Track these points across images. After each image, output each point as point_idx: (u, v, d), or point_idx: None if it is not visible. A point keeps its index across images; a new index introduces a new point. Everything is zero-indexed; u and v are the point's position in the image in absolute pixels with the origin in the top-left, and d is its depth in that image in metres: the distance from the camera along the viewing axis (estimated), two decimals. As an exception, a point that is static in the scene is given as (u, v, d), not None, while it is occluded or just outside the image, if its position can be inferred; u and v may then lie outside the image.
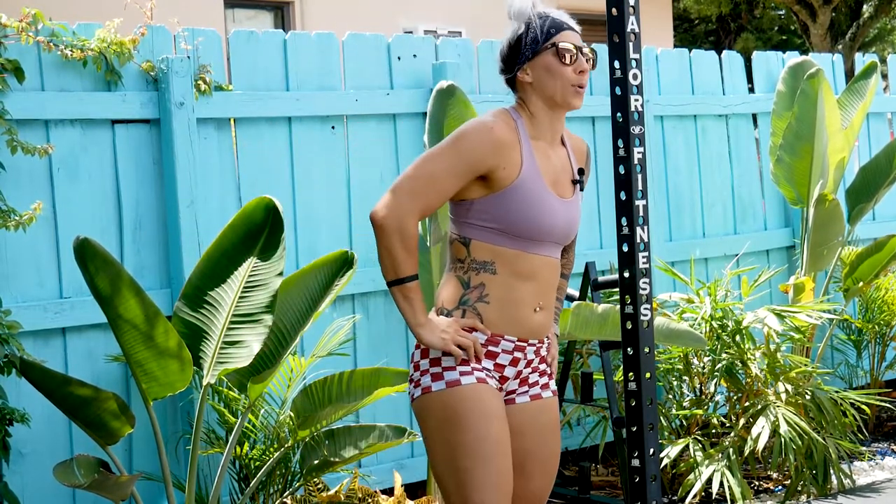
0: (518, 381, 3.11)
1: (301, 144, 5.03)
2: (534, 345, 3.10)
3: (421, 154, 3.08)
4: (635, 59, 3.25)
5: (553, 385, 3.21)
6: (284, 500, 4.57)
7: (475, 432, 2.94)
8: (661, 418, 5.45)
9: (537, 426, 3.12)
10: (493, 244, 2.99)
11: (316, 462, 4.40)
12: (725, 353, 5.40)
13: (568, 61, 3.03)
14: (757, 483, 5.58)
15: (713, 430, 5.49)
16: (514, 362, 3.08)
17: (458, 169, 2.94)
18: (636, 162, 3.28)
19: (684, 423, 5.51)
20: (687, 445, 5.26)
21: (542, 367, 3.17)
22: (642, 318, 3.31)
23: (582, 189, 3.15)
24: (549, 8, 3.09)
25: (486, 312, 3.01)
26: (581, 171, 3.14)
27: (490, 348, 3.03)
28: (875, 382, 6.56)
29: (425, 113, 5.18)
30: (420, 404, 3.02)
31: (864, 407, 5.83)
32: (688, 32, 21.47)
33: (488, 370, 3.02)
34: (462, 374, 2.98)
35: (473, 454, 2.94)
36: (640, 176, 3.29)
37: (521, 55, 3.05)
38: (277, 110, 4.94)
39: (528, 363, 3.11)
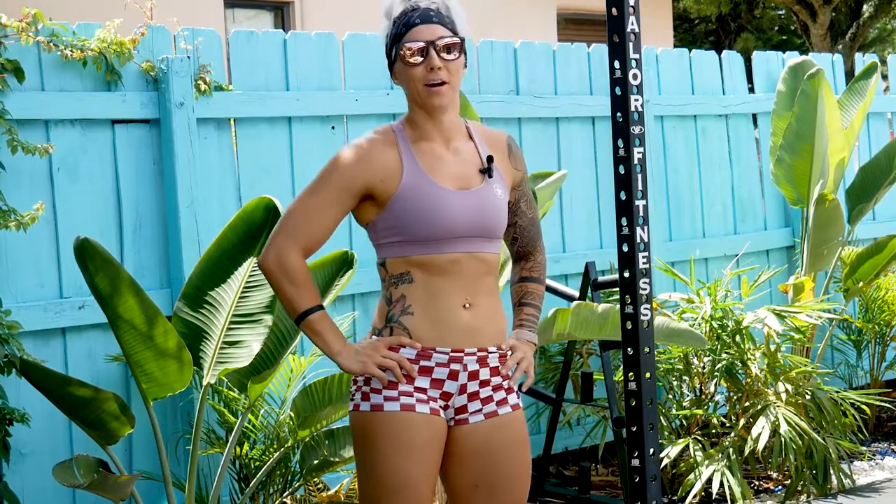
0: (466, 396, 2.96)
1: (301, 144, 5.03)
2: (473, 354, 2.94)
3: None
4: (635, 59, 3.25)
5: (514, 398, 3.01)
6: (284, 500, 4.57)
7: (385, 465, 2.88)
8: (661, 418, 5.45)
9: (496, 445, 2.96)
10: (404, 255, 2.92)
11: (316, 462, 4.40)
12: (725, 353, 5.40)
13: (414, 62, 2.93)
14: (757, 483, 5.58)
15: (713, 430, 5.49)
16: (453, 375, 2.93)
17: (332, 197, 2.94)
18: (636, 162, 3.28)
19: (684, 423, 5.51)
20: (687, 445, 5.26)
21: (498, 381, 2.98)
22: (642, 318, 3.31)
23: (491, 176, 2.98)
24: (430, 4, 2.99)
25: (412, 325, 2.91)
26: (490, 159, 2.98)
27: (423, 363, 2.91)
28: (875, 382, 6.56)
29: (425, 113, 5.18)
30: (350, 419, 2.98)
31: (864, 407, 5.83)
32: (688, 32, 21.47)
33: (422, 388, 2.90)
34: (386, 398, 2.89)
35: (382, 484, 2.89)
36: (640, 176, 3.29)
37: (388, 61, 3.01)
38: (277, 110, 4.94)
39: (473, 375, 2.95)
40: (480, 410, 2.97)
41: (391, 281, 2.95)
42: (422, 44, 2.92)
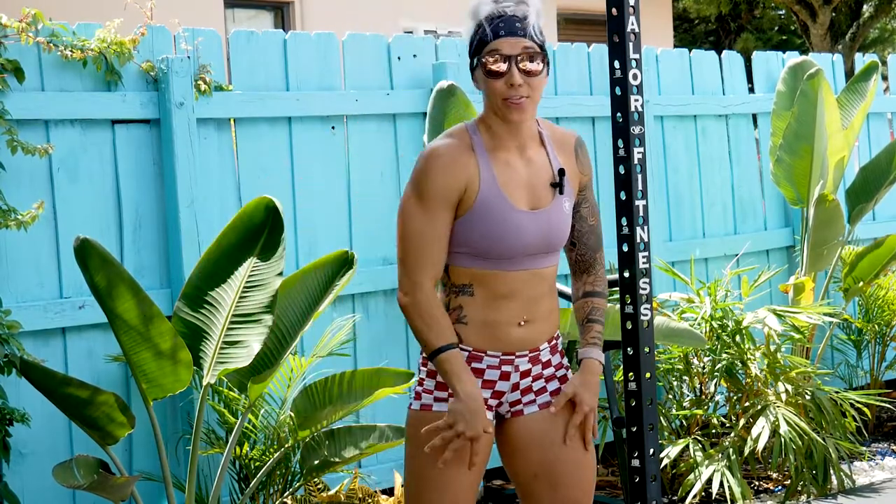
0: (519, 392, 3.03)
1: (301, 144, 5.03)
2: (524, 356, 3.01)
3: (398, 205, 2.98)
4: (635, 59, 3.25)
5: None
6: (284, 500, 4.57)
7: (424, 459, 2.95)
8: (661, 418, 5.45)
9: (551, 435, 3.02)
10: (468, 267, 2.94)
11: (316, 462, 4.40)
12: (725, 353, 5.40)
13: (495, 75, 2.88)
14: (757, 483, 5.58)
15: (713, 431, 5.49)
16: (505, 376, 3.01)
17: (441, 216, 2.90)
18: (636, 162, 3.28)
19: (684, 423, 5.51)
20: (687, 445, 5.26)
21: (550, 371, 3.06)
22: (642, 318, 3.31)
23: (562, 192, 2.99)
24: (506, 4, 2.90)
25: (465, 333, 2.96)
26: (562, 172, 2.98)
27: (474, 365, 2.98)
28: (875, 382, 6.56)
29: (425, 113, 5.18)
30: (407, 414, 3.07)
31: (863, 408, 5.83)
32: (688, 32, 21.47)
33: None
34: (437, 399, 2.98)
35: (419, 479, 2.98)
36: (640, 176, 3.29)
37: (470, 64, 2.96)
38: (277, 110, 4.94)
39: (526, 374, 3.02)
40: (534, 401, 3.05)
41: (452, 289, 2.98)
42: (504, 58, 2.87)
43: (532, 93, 2.90)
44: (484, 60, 2.88)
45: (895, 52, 20.68)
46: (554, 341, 3.11)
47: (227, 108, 4.79)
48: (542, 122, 3.05)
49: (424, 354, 2.95)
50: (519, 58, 2.87)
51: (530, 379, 3.04)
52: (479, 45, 2.91)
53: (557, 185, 2.98)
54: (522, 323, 3.00)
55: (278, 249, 4.06)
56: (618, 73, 3.26)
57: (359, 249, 4.96)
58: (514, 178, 2.94)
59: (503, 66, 2.87)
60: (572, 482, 3.04)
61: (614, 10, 3.26)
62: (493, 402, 3.01)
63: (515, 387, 3.03)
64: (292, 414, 4.39)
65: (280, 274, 4.05)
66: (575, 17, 14.55)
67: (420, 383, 3.04)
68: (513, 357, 3.00)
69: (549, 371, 3.07)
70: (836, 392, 5.58)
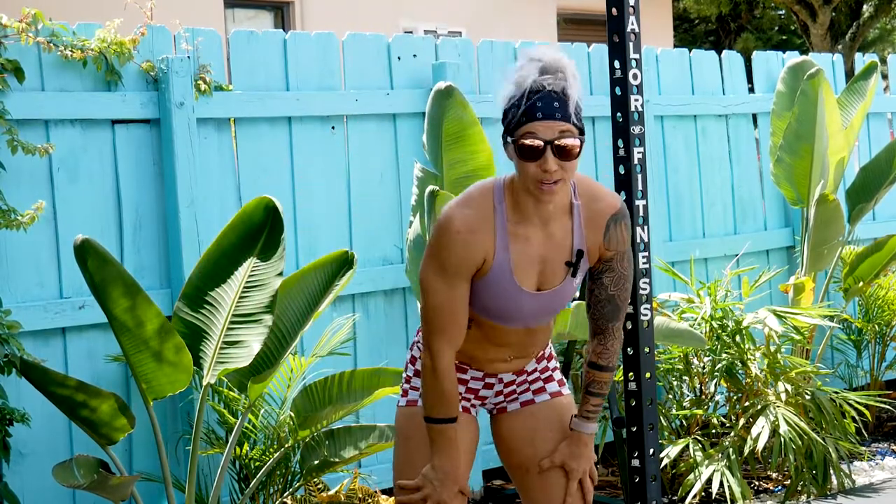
0: (503, 396, 3.14)
1: (301, 144, 5.03)
2: (508, 375, 3.12)
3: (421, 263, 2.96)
4: (635, 59, 3.25)
5: (553, 387, 3.14)
6: (284, 500, 4.57)
7: (407, 455, 3.04)
8: (661, 418, 5.45)
9: (534, 430, 3.10)
10: (472, 310, 2.96)
11: (316, 462, 4.40)
12: (725, 353, 5.40)
13: (528, 159, 2.77)
14: (757, 483, 5.58)
15: (713, 430, 5.49)
16: (489, 386, 3.12)
17: (462, 285, 2.89)
18: (636, 162, 3.28)
19: (684, 423, 5.51)
20: (687, 445, 5.26)
21: (535, 376, 3.13)
22: (642, 318, 3.32)
23: (574, 274, 2.93)
24: (547, 78, 2.79)
25: None
26: (580, 254, 2.91)
27: (459, 375, 3.06)
28: (875, 382, 6.55)
29: (425, 113, 5.18)
30: (396, 413, 3.16)
31: (863, 409, 5.83)
32: (688, 32, 21.46)
33: (458, 393, 3.02)
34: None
35: (401, 475, 3.06)
36: (640, 176, 3.29)
37: (503, 133, 2.84)
38: (277, 110, 4.94)
39: (510, 383, 3.12)
40: (517, 399, 3.13)
41: None
42: (539, 142, 2.76)
43: (565, 175, 2.80)
44: (517, 140, 2.78)
45: (895, 51, 20.68)
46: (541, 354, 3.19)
47: (227, 108, 4.79)
48: (582, 190, 2.94)
49: (425, 415, 2.97)
50: (555, 142, 2.76)
51: (514, 385, 3.13)
52: (514, 122, 2.79)
53: (572, 266, 2.93)
54: (510, 359, 3.08)
55: (278, 249, 4.06)
56: (618, 73, 3.27)
57: (359, 249, 4.96)
58: (528, 256, 2.90)
59: (538, 151, 2.76)
60: (563, 471, 3.09)
61: (614, 10, 3.26)
62: (476, 402, 3.12)
63: (499, 392, 3.13)
64: (292, 414, 4.39)
65: (280, 274, 4.05)
66: (575, 17, 14.55)
67: (407, 380, 3.11)
68: (494, 379, 3.11)
69: (534, 376, 3.15)
70: (836, 392, 5.58)
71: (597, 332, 3.04)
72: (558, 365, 3.21)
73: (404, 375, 3.15)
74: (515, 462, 3.13)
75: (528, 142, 2.76)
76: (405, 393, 3.11)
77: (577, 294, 3.19)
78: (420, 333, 3.08)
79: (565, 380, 3.23)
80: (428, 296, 2.90)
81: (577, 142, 2.78)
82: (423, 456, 2.99)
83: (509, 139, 2.80)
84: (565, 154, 2.77)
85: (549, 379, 3.15)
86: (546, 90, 2.77)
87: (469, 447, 3.07)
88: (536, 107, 2.76)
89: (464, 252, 2.85)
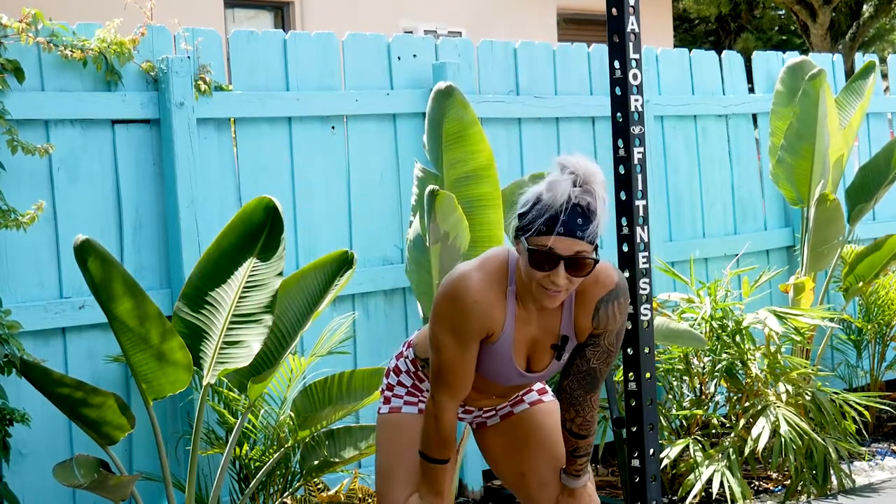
0: (482, 417, 3.23)
1: (301, 144, 5.03)
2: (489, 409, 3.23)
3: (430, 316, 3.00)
4: (635, 59, 3.25)
5: (532, 396, 3.22)
6: (284, 500, 4.57)
7: (388, 458, 3.13)
8: (661, 418, 5.45)
9: (520, 438, 3.18)
10: None
11: (316, 462, 4.40)
12: (725, 353, 5.40)
13: (539, 268, 2.78)
14: (757, 483, 5.58)
15: (713, 431, 5.49)
16: (468, 412, 3.21)
17: (472, 346, 2.93)
18: (636, 162, 3.28)
19: (684, 423, 5.51)
20: (687, 445, 5.26)
21: (513, 398, 3.21)
22: (642, 318, 3.32)
23: (559, 358, 2.98)
24: (577, 192, 2.74)
25: None
26: (565, 339, 2.94)
27: None
28: (875, 383, 6.56)
29: (425, 113, 5.18)
30: (377, 420, 3.24)
31: (862, 409, 5.83)
32: (688, 32, 21.46)
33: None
34: (406, 403, 3.16)
35: (381, 485, 3.15)
36: (640, 176, 3.29)
37: (516, 227, 2.83)
38: (277, 110, 4.94)
39: (489, 409, 3.21)
40: (496, 414, 3.22)
41: None
42: (555, 258, 2.75)
43: (572, 287, 2.81)
44: (530, 246, 2.77)
45: (895, 51, 20.69)
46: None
47: (227, 108, 4.79)
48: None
49: (421, 449, 3.05)
50: (569, 260, 2.76)
51: (493, 409, 3.24)
52: (533, 230, 2.77)
53: (557, 350, 2.97)
54: (494, 398, 3.16)
55: (278, 249, 4.06)
56: (618, 73, 3.27)
57: (359, 249, 4.96)
58: (525, 336, 2.95)
59: (550, 265, 2.76)
60: (556, 471, 3.15)
61: (614, 10, 3.26)
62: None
63: (477, 416, 3.24)
64: (292, 414, 4.39)
65: (280, 274, 4.06)
66: (575, 17, 14.54)
67: (389, 388, 3.19)
68: (474, 409, 3.21)
69: (512, 398, 3.23)
70: (836, 393, 5.58)
71: (573, 404, 3.03)
72: None
73: (386, 382, 3.20)
74: (510, 472, 3.21)
75: (542, 252, 2.75)
76: (387, 400, 3.18)
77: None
78: (409, 347, 3.17)
79: (546, 388, 3.26)
80: (439, 353, 2.94)
81: (592, 261, 2.78)
82: (404, 465, 3.07)
83: (525, 242, 2.78)
84: (577, 272, 2.77)
85: (528, 391, 3.23)
86: (570, 207, 2.73)
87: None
88: (559, 219, 2.73)
89: (477, 321, 2.88)
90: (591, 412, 3.02)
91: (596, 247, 2.78)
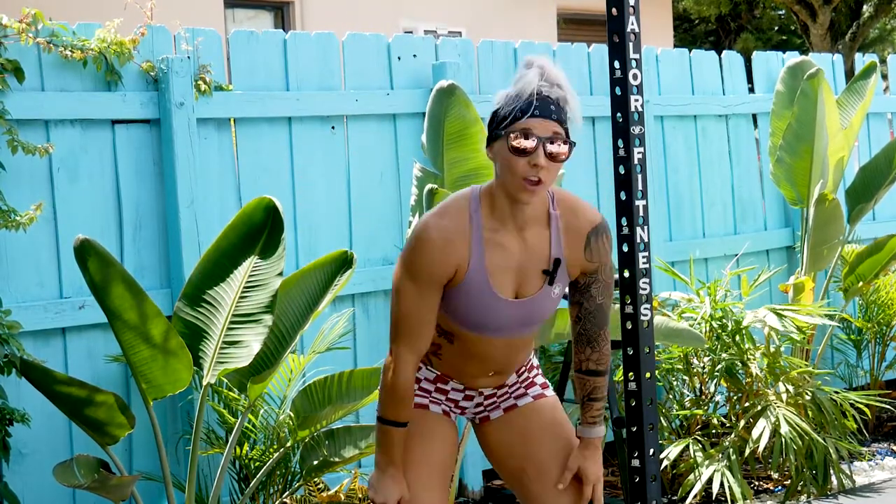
0: (483, 406, 3.17)
1: (301, 144, 5.03)
2: (488, 389, 3.15)
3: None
4: (635, 59, 3.25)
5: (535, 390, 3.18)
6: (284, 500, 4.57)
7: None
8: (661, 418, 5.45)
9: (523, 432, 3.14)
10: (452, 323, 2.99)
11: (316, 462, 4.40)
12: (725, 353, 5.40)
13: (520, 153, 2.81)
14: (757, 483, 5.58)
15: (713, 431, 5.49)
16: (469, 398, 3.15)
17: (431, 294, 2.90)
18: (636, 162, 3.28)
19: (684, 423, 5.51)
20: (687, 445, 5.26)
21: (516, 387, 3.17)
22: (642, 318, 3.31)
23: (552, 283, 2.94)
24: (545, 85, 2.86)
25: (435, 362, 3.09)
26: (556, 262, 2.93)
27: (439, 385, 3.11)
28: (875, 382, 6.56)
29: (425, 113, 5.18)
30: None
31: (863, 408, 5.83)
32: (688, 32, 21.47)
33: (437, 401, 3.11)
34: (433, 402, 3.12)
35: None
36: (640, 176, 3.29)
37: (490, 131, 2.89)
38: (277, 110, 4.94)
39: (490, 396, 3.16)
40: (499, 407, 3.17)
41: (438, 329, 3.02)
42: (534, 139, 2.81)
43: (548, 178, 2.84)
44: (510, 135, 2.82)
45: (895, 51, 20.68)
46: (522, 367, 3.21)
47: (227, 108, 4.79)
48: (562, 203, 2.98)
49: (377, 413, 3.00)
50: (548, 140, 2.82)
51: (495, 397, 3.18)
52: (508, 118, 2.84)
53: (549, 274, 2.95)
54: (492, 374, 3.11)
55: (278, 249, 4.06)
56: (618, 73, 3.26)
57: (359, 249, 4.96)
58: (504, 263, 2.92)
59: (531, 145, 2.80)
60: (559, 466, 3.11)
61: (614, 10, 3.26)
62: (456, 411, 3.16)
63: (479, 404, 3.17)
64: (292, 414, 4.39)
65: (280, 274, 4.06)
66: (575, 17, 14.55)
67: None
68: (474, 393, 3.15)
69: (514, 387, 3.19)
70: (836, 392, 5.58)
71: (590, 341, 3.06)
72: (540, 371, 3.24)
73: None
74: (510, 467, 3.15)
75: (521, 134, 2.81)
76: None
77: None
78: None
79: (548, 382, 3.25)
80: (398, 301, 2.93)
81: (566, 148, 2.85)
82: (407, 462, 3.02)
83: (502, 133, 2.84)
84: (554, 156, 2.83)
85: (531, 384, 3.19)
86: (544, 95, 2.85)
87: (450, 450, 3.11)
88: (534, 105, 2.83)
89: (436, 261, 2.87)
90: (606, 345, 3.08)
91: (570, 139, 2.87)
